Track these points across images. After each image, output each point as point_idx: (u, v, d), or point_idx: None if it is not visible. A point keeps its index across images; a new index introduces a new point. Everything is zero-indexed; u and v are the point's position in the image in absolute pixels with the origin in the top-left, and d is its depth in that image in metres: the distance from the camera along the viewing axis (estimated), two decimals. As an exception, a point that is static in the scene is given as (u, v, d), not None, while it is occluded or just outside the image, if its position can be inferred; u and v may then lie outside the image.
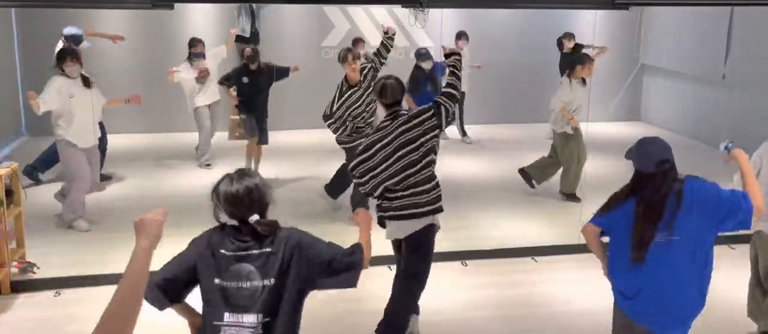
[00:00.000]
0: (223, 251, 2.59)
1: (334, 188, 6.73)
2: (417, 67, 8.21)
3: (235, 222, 2.63)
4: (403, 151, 3.94)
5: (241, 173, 2.68)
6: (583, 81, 7.22)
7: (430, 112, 3.99)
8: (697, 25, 10.00)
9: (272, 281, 2.55)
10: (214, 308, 2.57)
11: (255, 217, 2.64)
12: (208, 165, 8.38)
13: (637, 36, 11.46)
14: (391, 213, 4.02)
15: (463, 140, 9.82)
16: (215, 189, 2.66)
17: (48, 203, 6.80)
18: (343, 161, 6.52)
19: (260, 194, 2.64)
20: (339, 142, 6.38)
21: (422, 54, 8.04)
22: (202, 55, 8.23)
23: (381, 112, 4.18)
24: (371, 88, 6.01)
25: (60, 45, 7.04)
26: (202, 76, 8.24)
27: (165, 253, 5.74)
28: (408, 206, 3.99)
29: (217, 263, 2.59)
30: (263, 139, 7.68)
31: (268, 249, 2.58)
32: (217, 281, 2.57)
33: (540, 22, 10.81)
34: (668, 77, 11.08)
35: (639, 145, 3.17)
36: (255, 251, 2.58)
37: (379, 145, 3.96)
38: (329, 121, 6.29)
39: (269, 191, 2.69)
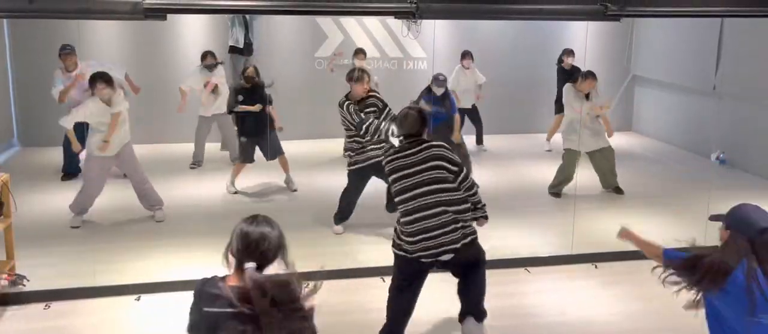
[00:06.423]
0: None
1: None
2: (428, 89, 8.20)
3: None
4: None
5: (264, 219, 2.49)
6: (586, 96, 7.61)
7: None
8: (688, 37, 10.06)
9: None
10: None
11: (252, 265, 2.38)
12: (199, 164, 8.83)
13: (629, 47, 11.53)
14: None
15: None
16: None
17: (38, 214, 6.75)
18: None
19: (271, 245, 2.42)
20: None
21: (441, 80, 8.09)
22: (213, 67, 8.54)
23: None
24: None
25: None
26: (211, 88, 8.51)
27: (161, 261, 5.62)
28: None
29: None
30: (274, 154, 7.69)
31: None
32: None
33: (531, 33, 10.86)
34: (659, 88, 11.15)
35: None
36: None
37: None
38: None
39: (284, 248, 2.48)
